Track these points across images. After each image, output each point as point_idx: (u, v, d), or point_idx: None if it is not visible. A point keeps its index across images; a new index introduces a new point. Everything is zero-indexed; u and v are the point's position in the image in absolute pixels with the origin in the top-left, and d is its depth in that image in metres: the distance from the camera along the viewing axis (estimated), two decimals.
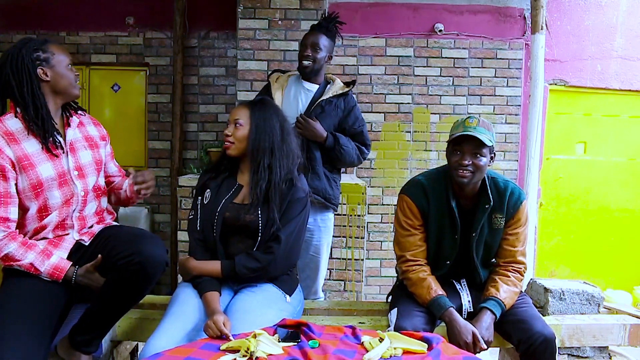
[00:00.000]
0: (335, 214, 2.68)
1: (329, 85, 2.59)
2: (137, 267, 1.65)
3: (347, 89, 2.57)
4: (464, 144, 1.86)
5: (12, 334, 1.55)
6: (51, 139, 1.73)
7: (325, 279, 2.98)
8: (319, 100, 2.50)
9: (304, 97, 2.55)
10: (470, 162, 1.85)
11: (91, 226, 1.87)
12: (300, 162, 1.99)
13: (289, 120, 2.02)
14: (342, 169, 2.80)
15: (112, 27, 4.09)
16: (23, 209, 1.74)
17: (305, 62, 2.50)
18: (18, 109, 1.72)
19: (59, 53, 1.78)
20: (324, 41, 2.52)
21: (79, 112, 1.92)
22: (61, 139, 1.79)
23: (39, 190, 1.72)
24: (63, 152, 1.78)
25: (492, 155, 1.91)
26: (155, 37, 4.10)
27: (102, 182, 1.93)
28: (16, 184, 1.70)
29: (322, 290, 2.79)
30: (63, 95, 1.80)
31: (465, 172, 1.86)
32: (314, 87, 2.57)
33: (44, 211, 1.75)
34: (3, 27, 4.10)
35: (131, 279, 1.67)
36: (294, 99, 2.55)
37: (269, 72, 2.74)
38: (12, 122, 1.72)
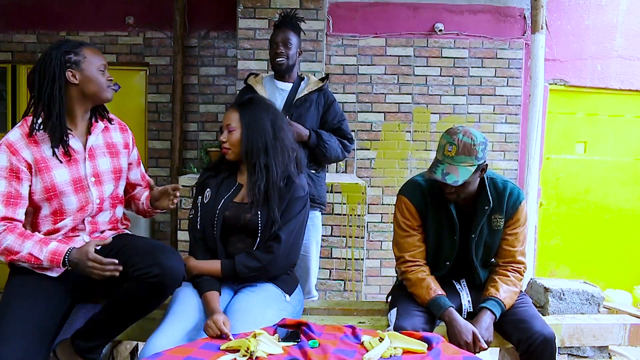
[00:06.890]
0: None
1: (303, 82, 2.59)
2: (156, 279, 1.62)
3: (321, 84, 2.57)
4: None
5: (13, 333, 1.54)
6: (61, 146, 1.70)
7: (325, 279, 2.98)
8: (294, 100, 2.50)
9: (278, 97, 2.55)
10: (454, 190, 1.86)
11: (102, 231, 1.85)
12: (297, 157, 1.98)
13: (281, 116, 2.00)
14: (327, 166, 2.77)
15: (112, 27, 4.09)
16: (35, 208, 1.73)
17: (280, 59, 2.50)
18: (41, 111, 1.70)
19: (92, 56, 1.75)
20: (292, 37, 2.52)
21: (107, 118, 1.89)
22: (81, 145, 1.77)
23: (52, 193, 1.70)
24: (70, 159, 1.74)
25: (483, 169, 1.88)
26: (155, 36, 4.10)
27: (120, 191, 1.91)
28: (30, 185, 1.69)
29: (317, 290, 2.78)
30: (92, 98, 1.77)
31: (450, 194, 1.88)
32: (288, 86, 2.57)
33: (59, 215, 1.74)
34: (3, 27, 4.10)
35: (147, 291, 1.65)
36: (269, 100, 2.55)
37: (246, 76, 2.70)
38: None
